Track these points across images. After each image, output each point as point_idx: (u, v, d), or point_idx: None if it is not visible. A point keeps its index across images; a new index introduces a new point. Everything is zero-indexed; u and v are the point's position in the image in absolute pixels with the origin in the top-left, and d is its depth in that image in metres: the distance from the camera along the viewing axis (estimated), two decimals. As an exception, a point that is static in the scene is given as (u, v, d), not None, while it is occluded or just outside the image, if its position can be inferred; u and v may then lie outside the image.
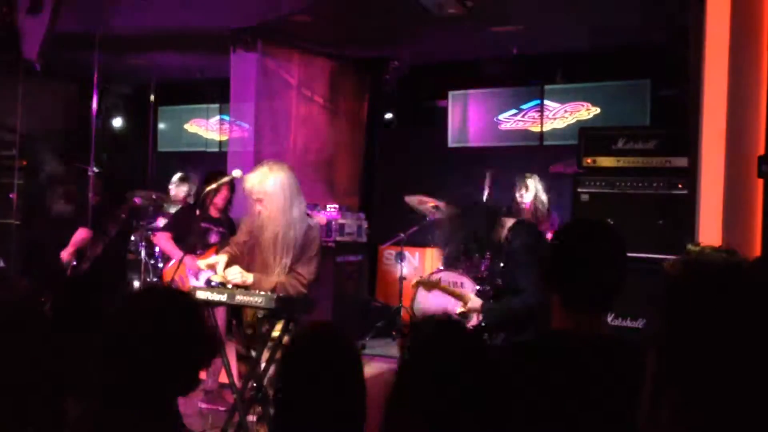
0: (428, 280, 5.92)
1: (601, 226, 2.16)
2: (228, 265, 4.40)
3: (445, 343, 1.80)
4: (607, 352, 1.97)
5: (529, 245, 3.69)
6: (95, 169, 6.83)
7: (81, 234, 6.34)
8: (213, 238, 5.77)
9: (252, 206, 4.42)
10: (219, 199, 5.76)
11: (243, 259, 4.51)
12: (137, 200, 7.06)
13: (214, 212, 5.81)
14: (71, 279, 2.74)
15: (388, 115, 8.98)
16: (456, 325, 1.88)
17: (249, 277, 4.31)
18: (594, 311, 2.02)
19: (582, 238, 2.07)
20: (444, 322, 1.87)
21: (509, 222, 3.86)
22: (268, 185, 4.30)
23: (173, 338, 1.85)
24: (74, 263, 6.24)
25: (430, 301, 7.26)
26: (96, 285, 2.63)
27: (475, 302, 3.96)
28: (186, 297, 1.99)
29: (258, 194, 4.34)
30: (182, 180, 7.64)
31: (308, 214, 4.58)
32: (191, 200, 6.44)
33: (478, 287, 4.90)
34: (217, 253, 4.93)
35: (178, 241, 5.67)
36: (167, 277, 5.73)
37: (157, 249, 7.16)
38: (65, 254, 6.34)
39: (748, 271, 1.41)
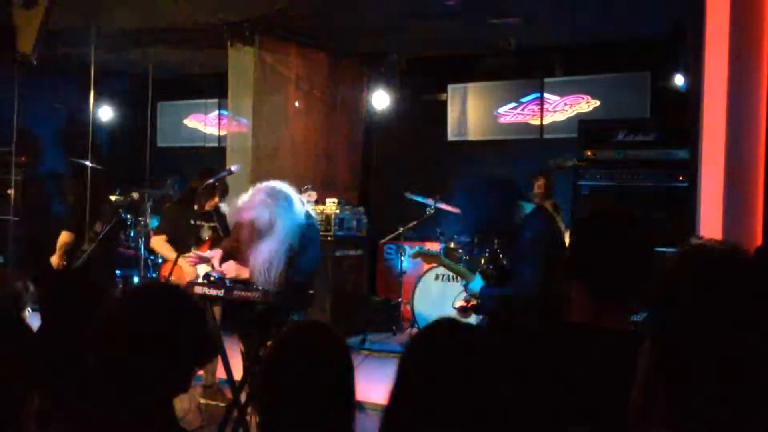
0: (428, 252, 5.86)
1: (627, 216, 2.08)
2: (224, 259, 4.37)
3: (450, 342, 1.72)
4: (627, 345, 1.92)
5: (538, 238, 3.60)
6: (93, 165, 6.80)
7: (63, 238, 6.35)
8: (205, 234, 5.72)
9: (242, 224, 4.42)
10: (212, 195, 5.71)
11: (239, 253, 4.48)
12: (134, 195, 7.03)
13: (205, 207, 5.74)
14: (59, 277, 2.71)
15: (381, 107, 8.87)
16: (459, 325, 1.80)
17: (245, 272, 4.28)
18: (616, 304, 1.97)
19: (608, 228, 2.01)
20: (448, 321, 1.78)
21: (525, 207, 3.74)
22: (261, 222, 4.27)
23: (172, 337, 1.80)
24: (64, 264, 6.23)
25: (431, 294, 7.25)
26: (84, 283, 2.59)
27: (476, 284, 3.87)
28: (185, 294, 1.94)
29: (251, 222, 4.31)
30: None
31: (307, 208, 4.55)
32: (177, 197, 6.41)
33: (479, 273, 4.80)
34: (211, 248, 4.90)
35: (173, 239, 5.62)
36: (164, 273, 5.70)
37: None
38: (54, 259, 6.33)
39: (747, 263, 1.38)
